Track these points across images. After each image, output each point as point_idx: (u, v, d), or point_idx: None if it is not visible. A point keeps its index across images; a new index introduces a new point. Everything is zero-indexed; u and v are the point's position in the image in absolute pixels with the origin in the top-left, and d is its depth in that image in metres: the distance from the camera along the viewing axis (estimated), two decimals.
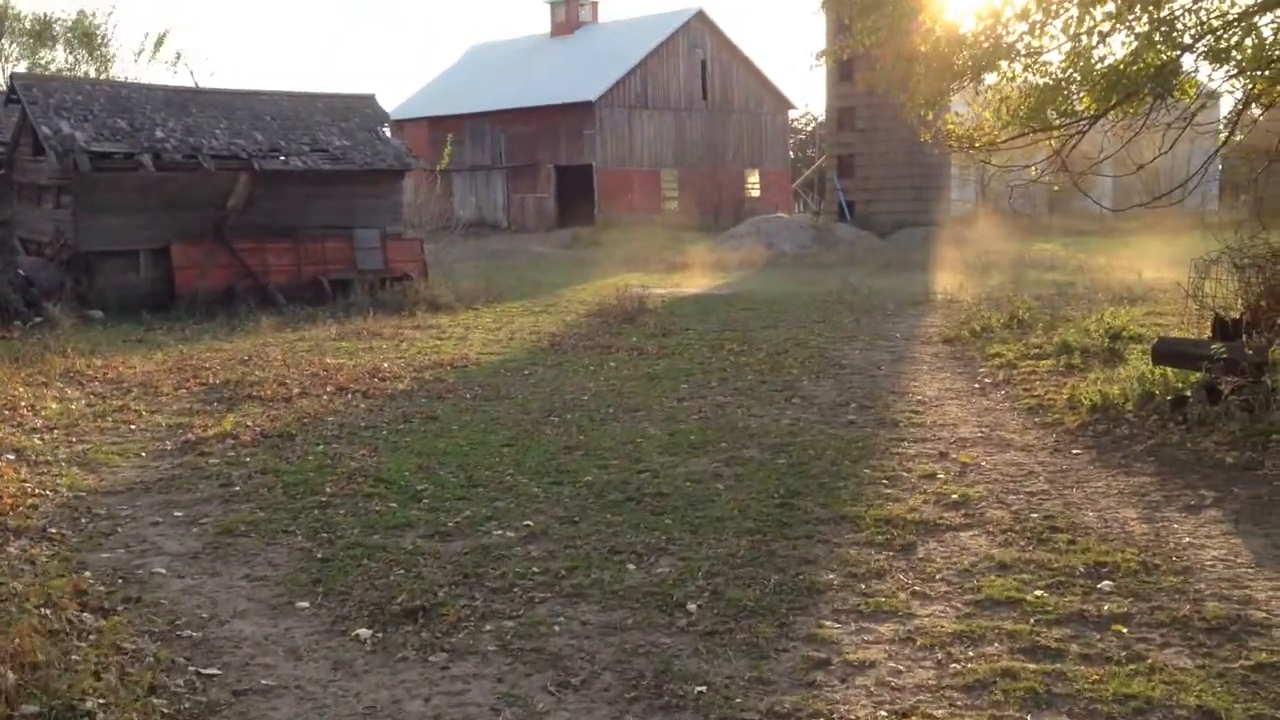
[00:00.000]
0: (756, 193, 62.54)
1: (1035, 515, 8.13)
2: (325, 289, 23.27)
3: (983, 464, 9.72)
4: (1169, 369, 11.06)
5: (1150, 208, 22.62)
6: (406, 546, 7.51)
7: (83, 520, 8.30)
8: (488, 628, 6.18)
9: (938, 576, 6.95)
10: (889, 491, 8.84)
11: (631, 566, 7.17)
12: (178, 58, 70.91)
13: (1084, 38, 13.00)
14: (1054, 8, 12.47)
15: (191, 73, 68.20)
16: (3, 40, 60.71)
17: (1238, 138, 15.83)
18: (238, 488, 9.13)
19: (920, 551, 7.43)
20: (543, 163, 58.97)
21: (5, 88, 26.54)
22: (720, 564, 7.16)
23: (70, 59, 62.55)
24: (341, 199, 24.55)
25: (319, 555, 7.39)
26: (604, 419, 11.83)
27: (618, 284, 28.97)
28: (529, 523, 8.06)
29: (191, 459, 10.10)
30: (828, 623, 6.21)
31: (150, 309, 21.84)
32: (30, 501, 8.62)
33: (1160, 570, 6.91)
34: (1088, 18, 12.68)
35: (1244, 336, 10.71)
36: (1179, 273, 16.50)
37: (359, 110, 26.24)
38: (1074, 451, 10.05)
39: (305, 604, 6.60)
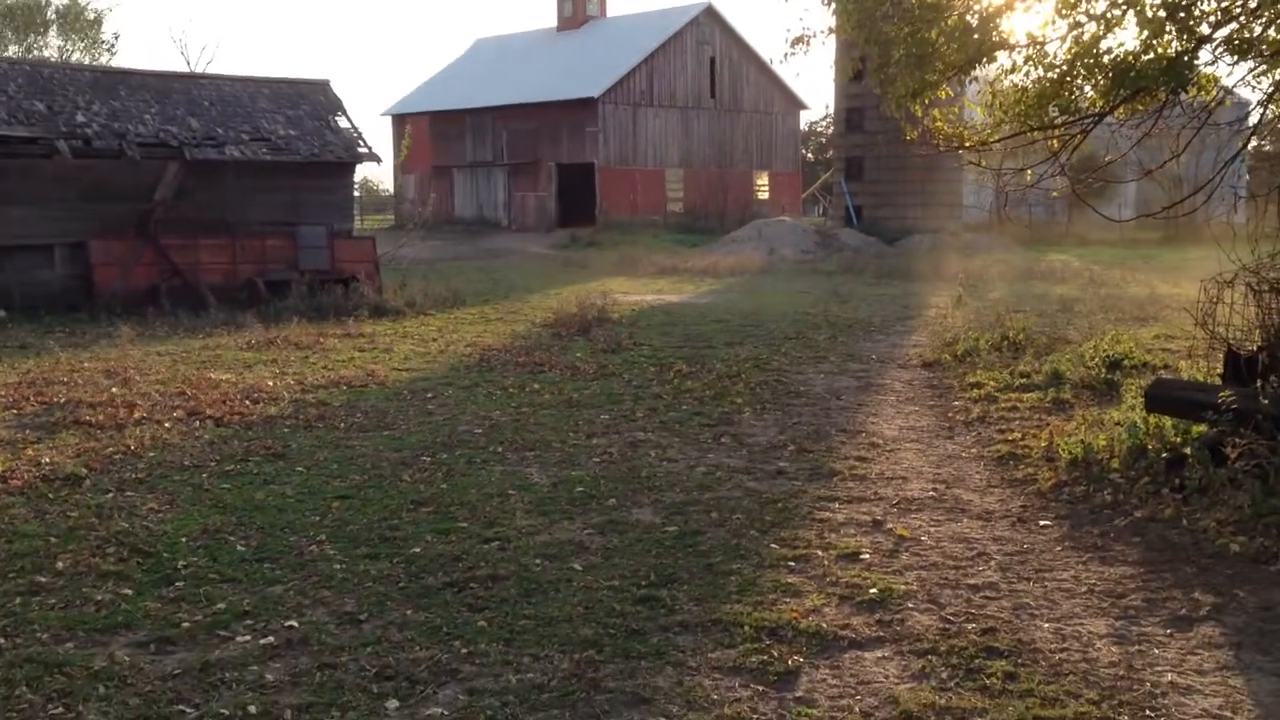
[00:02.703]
0: (765, 195, 60.42)
1: (972, 626, 6.09)
2: (260, 290, 21.35)
3: (923, 538, 7.68)
4: (1167, 417, 8.99)
5: (1163, 216, 20.48)
6: (100, 662, 5.53)
7: None
8: None
9: None
10: (791, 580, 6.81)
11: (394, 703, 5.18)
12: (115, 38, 69.04)
13: (1083, 20, 11.04)
14: None
15: (187, 60, 66.41)
16: None
17: (1259, 141, 13.83)
18: None
19: (801, 685, 5.42)
20: (544, 160, 57.01)
21: None
22: (519, 702, 5.17)
23: (65, 45, 61.02)
24: (285, 193, 22.64)
25: None
26: (485, 461, 9.85)
27: (591, 290, 27.15)
28: (294, 623, 6.07)
29: None
30: None
31: (64, 309, 20.03)
32: None
33: None
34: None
35: (1260, 381, 8.62)
36: (1196, 289, 14.48)
37: (309, 97, 24.30)
38: (1042, 523, 8.00)
39: None
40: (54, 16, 59.02)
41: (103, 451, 9.72)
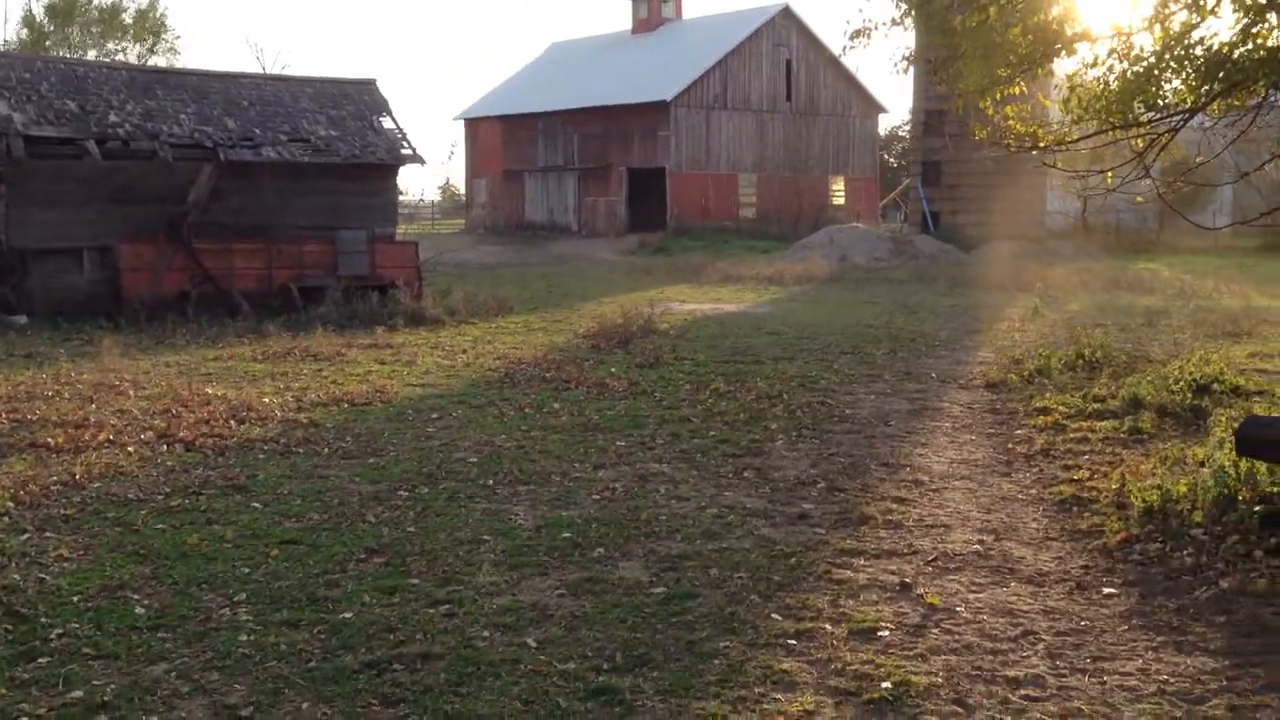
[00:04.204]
0: (841, 200, 58.75)
1: None
2: (294, 297, 20.47)
3: (959, 609, 6.36)
4: (1262, 462, 7.56)
5: (1261, 225, 18.80)
6: None
7: None
8: None
9: None
10: (786, 666, 5.55)
11: None
12: (176, 38, 68.94)
13: (1174, 7, 9.70)
14: None
15: (262, 65, 66.52)
16: (72, 29, 59.65)
17: None
18: None
19: None
20: (615, 165, 55.95)
21: None
22: None
23: (140, 49, 61.33)
24: (324, 196, 21.74)
25: None
26: (470, 496, 8.69)
27: (649, 298, 25.98)
28: None
29: None
30: None
31: (92, 315, 19.29)
32: None
33: None
34: None
35: None
36: None
37: (354, 97, 23.40)
38: (1105, 591, 6.64)
39: None
40: (130, 21, 59.23)
41: (45, 481, 8.72)
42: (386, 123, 23.26)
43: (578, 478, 9.33)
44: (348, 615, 6.15)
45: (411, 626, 6.01)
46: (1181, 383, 12.08)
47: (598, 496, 8.74)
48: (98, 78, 21.17)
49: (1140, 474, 8.74)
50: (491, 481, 9.14)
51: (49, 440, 9.96)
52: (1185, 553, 7.06)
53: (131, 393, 12.74)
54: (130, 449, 9.87)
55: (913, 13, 15.82)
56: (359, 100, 23.44)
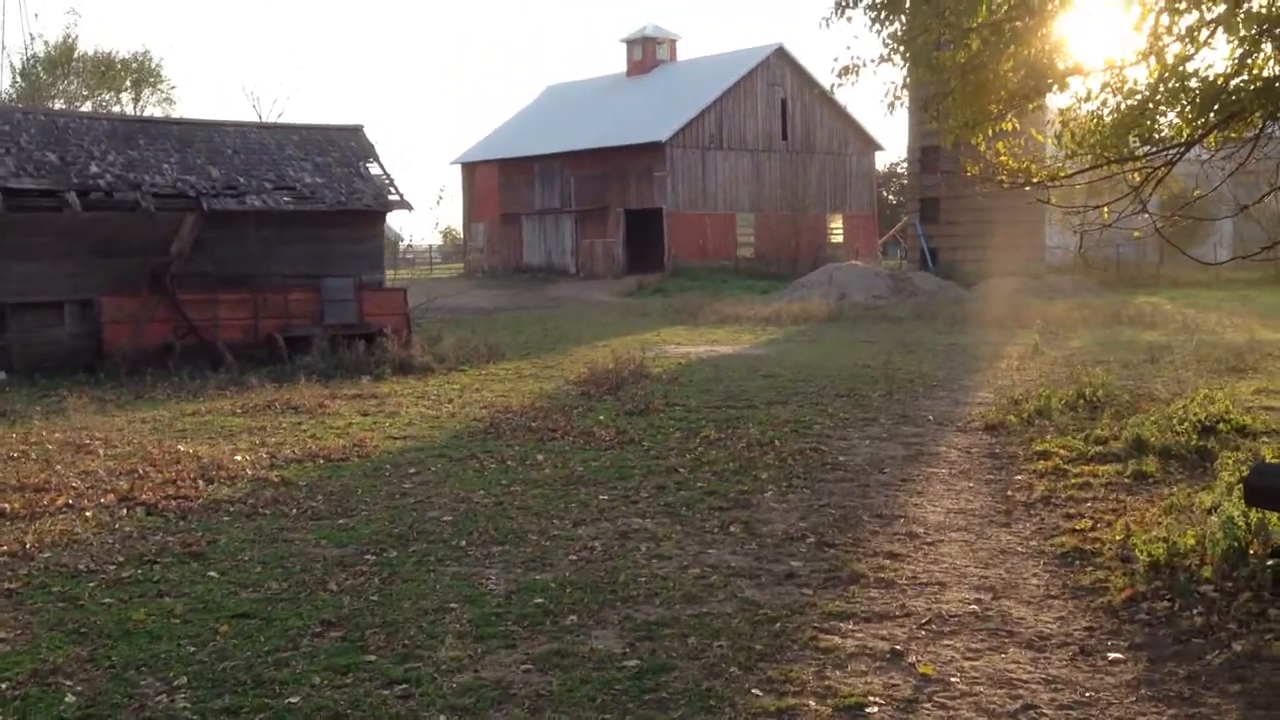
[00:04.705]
0: (839, 238, 58.56)
1: None
2: (280, 347, 20.10)
3: (953, 679, 5.92)
4: (1273, 513, 7.12)
5: (1262, 258, 18.46)
6: None
7: None
8: None
9: None
10: None
11: None
12: (172, 88, 68.75)
13: (1167, 39, 9.37)
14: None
15: (259, 113, 66.58)
16: (69, 80, 59.68)
17: None
18: None
19: None
20: (612, 206, 55.83)
21: None
22: None
23: (134, 97, 61.38)
24: (310, 243, 21.41)
25: None
26: (441, 559, 8.26)
27: (644, 341, 25.64)
28: None
29: None
30: None
31: (73, 369, 18.94)
32: None
33: None
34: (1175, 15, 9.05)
35: None
36: None
37: (340, 143, 23.12)
38: (1111, 656, 6.18)
39: None
40: (124, 70, 59.24)
41: None
42: (373, 168, 22.98)
43: (556, 535, 8.90)
44: (294, 700, 5.71)
45: (362, 712, 5.57)
46: (1186, 423, 11.65)
47: (575, 557, 8.30)
48: (79, 128, 20.91)
49: (1145, 524, 8.31)
50: (465, 542, 8.71)
51: (4, 506, 9.52)
52: (1195, 612, 6.62)
53: (101, 451, 12.34)
54: (88, 514, 9.44)
55: (900, 49, 15.52)
56: (345, 146, 23.17)
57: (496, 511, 9.67)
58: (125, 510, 9.60)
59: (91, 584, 7.62)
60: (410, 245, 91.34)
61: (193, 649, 6.43)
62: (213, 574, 7.91)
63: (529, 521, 9.32)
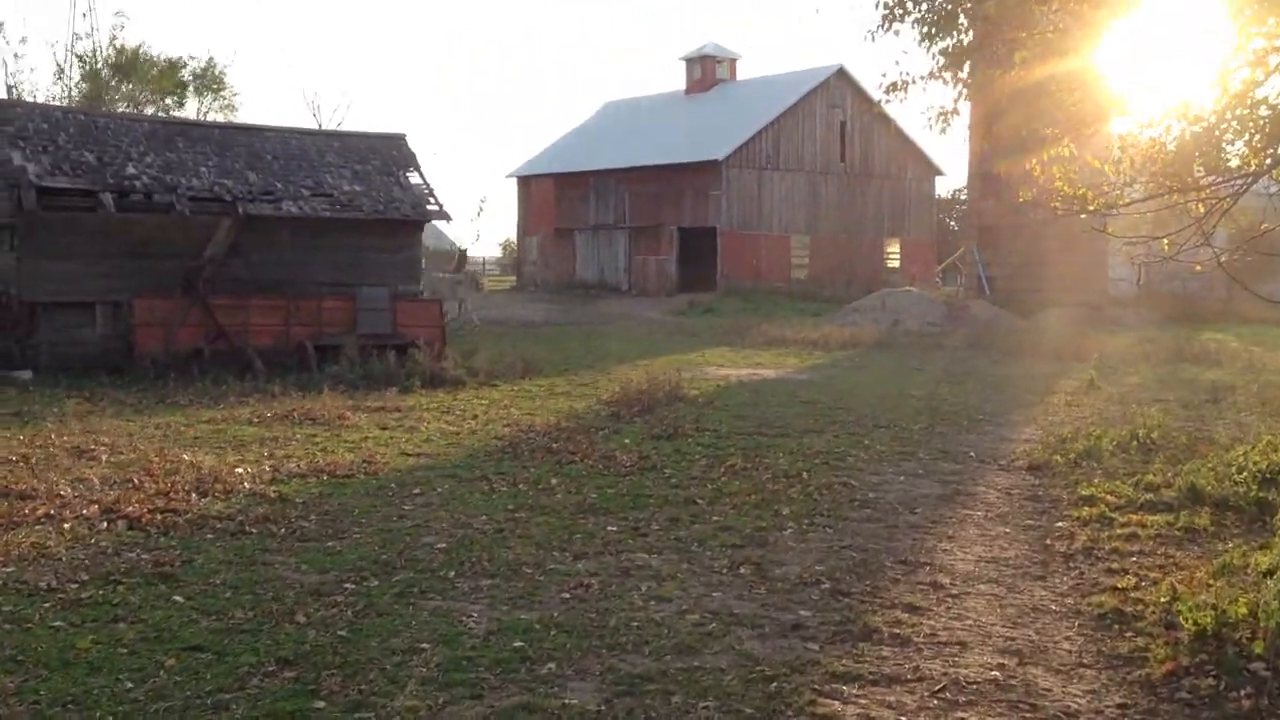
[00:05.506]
0: (896, 264, 57.57)
1: None
2: (309, 355, 19.71)
3: None
4: None
5: None
6: None
7: None
8: None
9: None
10: None
11: None
12: (234, 94, 68.40)
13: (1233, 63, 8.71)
14: None
15: (318, 121, 66.78)
16: (133, 84, 60.18)
17: None
18: None
19: None
20: (666, 224, 55.26)
21: None
22: None
23: (199, 104, 61.78)
24: (346, 251, 21.05)
25: None
26: (424, 591, 7.69)
27: (687, 361, 25.03)
28: None
29: None
30: None
31: (103, 371, 18.65)
32: None
33: None
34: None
35: None
36: None
37: (382, 151, 22.77)
38: None
39: None
40: (190, 77, 59.60)
41: None
42: (414, 178, 22.59)
43: (552, 570, 8.30)
44: None
45: None
46: (1245, 472, 10.85)
47: (568, 594, 7.70)
48: (118, 129, 20.71)
49: (1194, 586, 7.55)
50: (453, 573, 8.14)
51: None
52: (1243, 693, 5.88)
53: (104, 457, 11.93)
54: (66, 526, 8.98)
55: (951, 66, 14.82)
56: (386, 154, 22.80)
57: (495, 540, 9.10)
58: (106, 523, 9.13)
59: (46, 605, 7.13)
60: (475, 259, 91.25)
61: (130, 685, 5.90)
62: (178, 598, 7.39)
63: (527, 552, 8.74)
